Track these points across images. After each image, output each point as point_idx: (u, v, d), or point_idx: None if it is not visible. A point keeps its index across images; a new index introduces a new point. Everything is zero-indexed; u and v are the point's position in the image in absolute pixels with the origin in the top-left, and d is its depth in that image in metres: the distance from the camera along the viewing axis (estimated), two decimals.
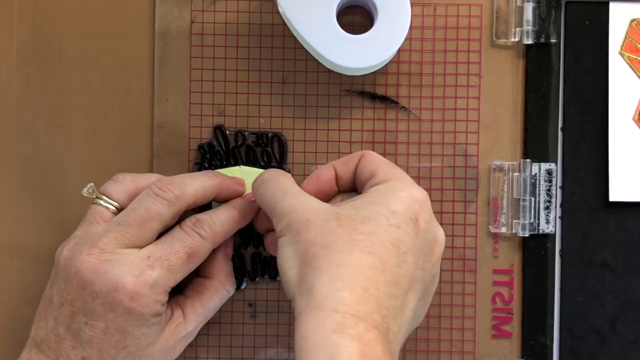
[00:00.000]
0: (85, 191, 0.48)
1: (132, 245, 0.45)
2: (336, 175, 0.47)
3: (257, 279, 0.52)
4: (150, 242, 0.45)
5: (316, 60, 0.52)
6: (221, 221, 0.47)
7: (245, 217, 0.49)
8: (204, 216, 0.47)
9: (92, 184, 0.47)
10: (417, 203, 0.43)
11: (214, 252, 0.48)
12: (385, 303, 0.40)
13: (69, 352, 0.44)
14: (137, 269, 0.44)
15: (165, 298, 0.45)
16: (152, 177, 0.48)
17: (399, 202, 0.42)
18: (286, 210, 0.43)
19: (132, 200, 0.46)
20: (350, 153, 0.52)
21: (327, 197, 0.47)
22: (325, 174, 0.47)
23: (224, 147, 0.52)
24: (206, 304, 0.48)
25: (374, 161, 0.46)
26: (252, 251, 0.52)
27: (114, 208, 0.47)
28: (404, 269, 0.41)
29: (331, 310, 0.38)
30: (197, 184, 0.47)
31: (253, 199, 0.47)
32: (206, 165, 0.52)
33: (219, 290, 0.49)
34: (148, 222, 0.45)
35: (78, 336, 0.44)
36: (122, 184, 0.47)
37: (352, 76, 0.52)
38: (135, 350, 0.44)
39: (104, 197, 0.47)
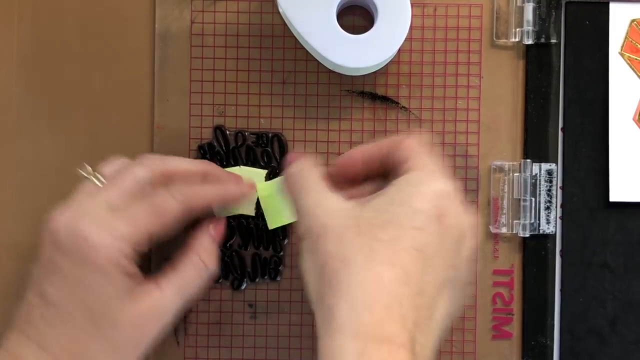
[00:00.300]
0: (82, 170, 0.46)
1: (109, 205, 0.43)
2: (367, 158, 0.44)
3: (257, 280, 0.52)
4: (124, 201, 0.44)
5: (316, 60, 0.52)
6: (198, 188, 0.46)
7: (229, 194, 0.47)
8: (179, 180, 0.46)
9: (89, 167, 0.47)
10: (443, 198, 0.40)
11: (196, 227, 0.47)
12: (411, 317, 0.37)
13: (37, 321, 0.42)
14: (101, 220, 0.42)
15: (129, 251, 0.43)
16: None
17: (422, 199, 0.39)
18: (306, 211, 0.41)
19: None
20: None
21: (354, 182, 0.44)
22: (356, 154, 0.44)
23: (224, 148, 0.52)
24: (182, 275, 0.45)
25: (410, 147, 0.42)
26: (252, 252, 0.52)
27: (99, 181, 0.46)
28: (431, 274, 0.39)
29: (352, 335, 0.36)
30: (182, 161, 0.47)
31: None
32: None
33: (197, 264, 0.46)
34: (121, 181, 0.44)
35: (44, 299, 0.42)
36: (115, 164, 0.47)
37: (352, 76, 0.52)
38: (100, 313, 0.42)
39: (97, 175, 0.46)
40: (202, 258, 0.46)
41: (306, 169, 0.43)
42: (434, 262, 0.39)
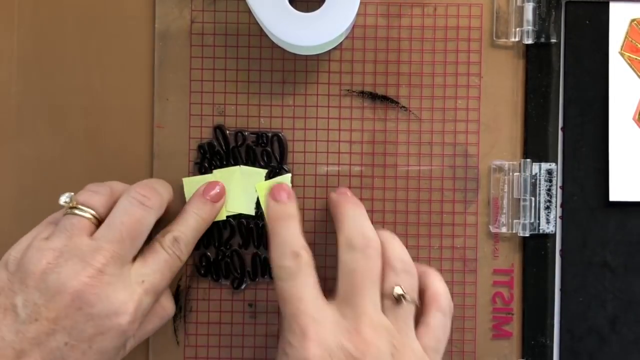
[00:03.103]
0: (63, 200, 0.46)
1: (127, 261, 0.44)
2: None
3: (257, 279, 0.52)
4: (136, 252, 0.46)
5: (316, 59, 0.52)
6: (193, 236, 0.48)
7: (208, 225, 0.50)
8: (178, 233, 0.47)
9: (72, 193, 0.46)
10: None
11: None
12: None
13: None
14: (136, 295, 0.44)
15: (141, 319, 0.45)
16: (121, 184, 0.48)
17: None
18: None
19: (108, 208, 0.46)
20: (350, 153, 0.52)
21: None
22: None
23: (224, 147, 0.52)
24: (145, 327, 0.47)
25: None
26: (252, 251, 0.52)
27: (91, 217, 0.45)
28: None
29: None
30: (167, 190, 0.48)
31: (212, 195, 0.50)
32: (206, 165, 0.52)
33: (159, 312, 0.48)
34: (140, 235, 0.45)
35: (51, 355, 0.42)
36: (97, 193, 0.46)
37: (352, 76, 0.52)
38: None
39: (80, 207, 0.45)
40: (165, 309, 0.48)
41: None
42: None
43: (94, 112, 0.52)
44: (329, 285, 0.47)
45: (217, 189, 0.50)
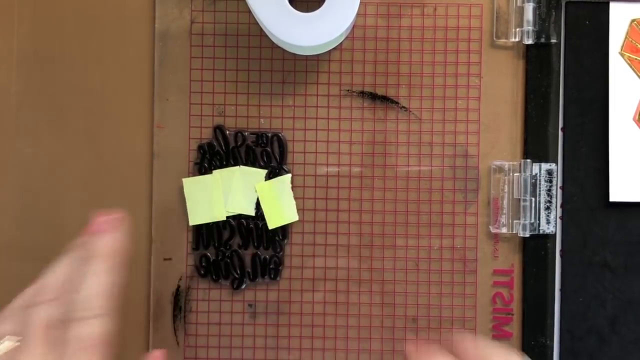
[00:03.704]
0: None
1: None
2: None
3: (256, 280, 0.52)
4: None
5: (316, 59, 0.52)
6: (104, 287, 0.38)
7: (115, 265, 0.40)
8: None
9: None
10: None
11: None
12: None
13: None
14: None
15: None
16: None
17: None
18: None
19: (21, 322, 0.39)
20: (350, 153, 0.52)
21: None
22: None
23: (224, 147, 0.52)
24: None
25: None
26: (252, 252, 0.52)
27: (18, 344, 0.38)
28: None
29: None
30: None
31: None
32: (206, 165, 0.52)
33: None
34: (102, 348, 0.37)
35: None
36: (9, 319, 0.38)
37: (352, 76, 0.52)
38: None
39: (5, 341, 0.38)
40: None
41: None
42: None
43: (94, 112, 0.52)
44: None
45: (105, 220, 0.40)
